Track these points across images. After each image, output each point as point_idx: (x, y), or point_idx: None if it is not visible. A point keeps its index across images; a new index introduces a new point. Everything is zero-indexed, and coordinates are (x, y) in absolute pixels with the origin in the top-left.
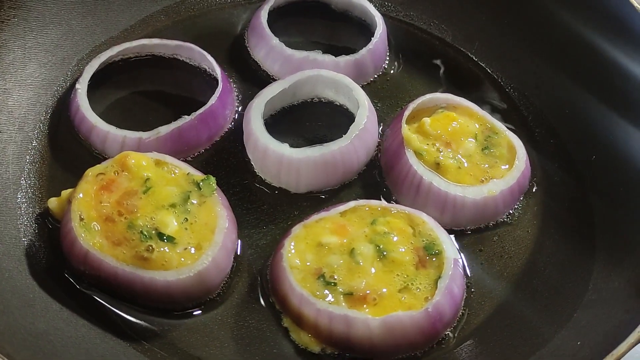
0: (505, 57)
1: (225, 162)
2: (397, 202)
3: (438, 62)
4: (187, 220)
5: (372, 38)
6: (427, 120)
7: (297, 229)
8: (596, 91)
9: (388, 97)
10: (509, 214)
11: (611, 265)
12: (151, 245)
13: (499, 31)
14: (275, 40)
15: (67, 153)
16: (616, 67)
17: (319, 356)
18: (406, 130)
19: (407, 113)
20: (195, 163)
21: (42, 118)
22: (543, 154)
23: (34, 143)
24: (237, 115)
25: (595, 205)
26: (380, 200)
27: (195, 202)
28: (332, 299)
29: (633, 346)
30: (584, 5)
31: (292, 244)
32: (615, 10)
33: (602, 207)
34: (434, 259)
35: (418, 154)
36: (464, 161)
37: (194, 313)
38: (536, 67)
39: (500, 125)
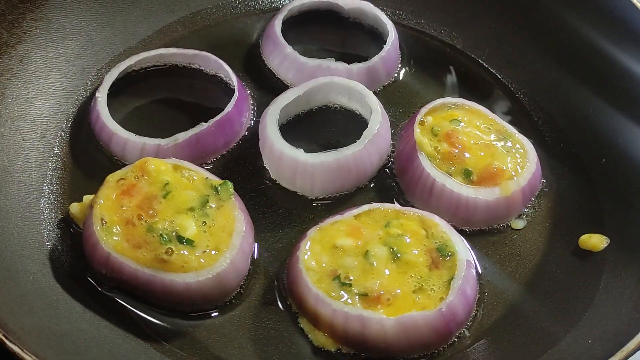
0: (515, 63)
1: (241, 167)
2: (410, 205)
3: (449, 68)
4: (205, 223)
5: (384, 45)
6: (429, 118)
7: (313, 232)
8: (605, 95)
9: (400, 103)
10: (521, 215)
11: (621, 265)
12: (171, 248)
13: (509, 38)
14: (289, 49)
15: (87, 160)
16: (625, 71)
17: (335, 356)
18: (418, 134)
19: (419, 117)
20: (212, 169)
21: (64, 126)
22: (553, 157)
23: (56, 150)
24: (252, 122)
25: (605, 207)
26: (394, 203)
27: (213, 206)
28: (348, 300)
29: None
30: (592, 11)
31: (308, 246)
32: (624, 15)
33: (612, 209)
34: (447, 260)
35: (431, 158)
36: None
37: (212, 314)
38: (546, 73)
39: (511, 128)
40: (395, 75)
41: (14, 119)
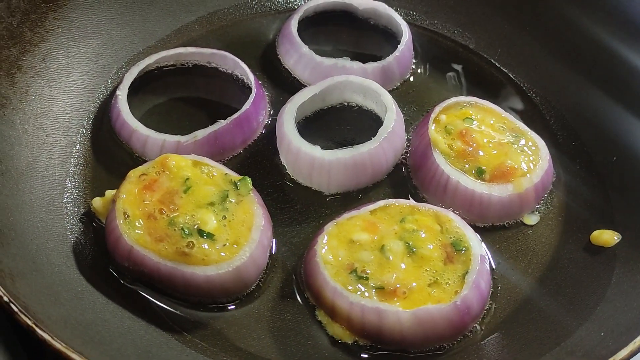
0: (527, 63)
1: (259, 164)
2: (424, 201)
3: (462, 68)
4: (225, 218)
5: (399, 45)
6: (442, 117)
7: (330, 227)
8: (616, 94)
9: (414, 102)
10: (533, 211)
11: (633, 260)
12: (192, 242)
13: (520, 38)
14: (305, 48)
15: (108, 156)
16: (635, 70)
17: (352, 348)
18: (433, 131)
19: (433, 115)
20: (230, 165)
21: (85, 123)
22: (565, 155)
23: (78, 147)
24: (269, 120)
25: (616, 204)
26: (409, 199)
27: (233, 200)
28: (365, 293)
29: None
30: (603, 11)
31: (325, 240)
32: (635, 15)
33: (623, 205)
34: (461, 255)
35: (445, 155)
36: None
37: (232, 307)
38: (557, 72)
39: (523, 126)
40: (409, 74)
41: (37, 115)
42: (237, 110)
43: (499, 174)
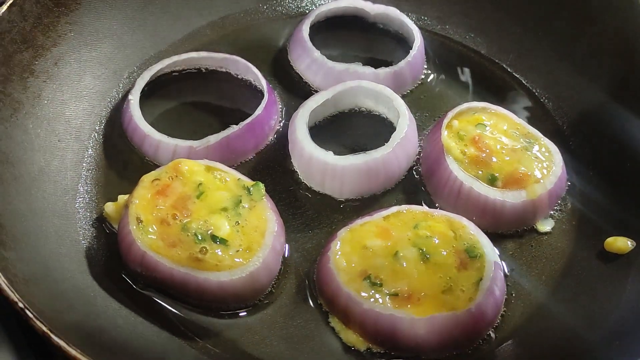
0: (539, 68)
1: (271, 169)
2: (437, 207)
3: (474, 73)
4: (238, 223)
5: (411, 50)
6: (455, 122)
7: (343, 233)
8: (630, 101)
9: (426, 107)
10: (546, 218)
11: None
12: (205, 247)
13: (532, 43)
14: (316, 53)
15: (120, 161)
16: None
17: (365, 354)
18: (446, 137)
19: (446, 121)
20: (242, 170)
21: (97, 127)
22: (578, 161)
23: (90, 151)
24: (281, 125)
25: (630, 210)
26: (422, 205)
27: (246, 206)
28: (378, 299)
29: None
30: (616, 17)
31: (338, 246)
32: None
33: (637, 212)
34: (475, 261)
35: (458, 161)
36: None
37: (245, 313)
38: (570, 78)
39: (536, 132)
40: (421, 79)
41: (49, 120)
42: (249, 115)
43: (512, 180)
